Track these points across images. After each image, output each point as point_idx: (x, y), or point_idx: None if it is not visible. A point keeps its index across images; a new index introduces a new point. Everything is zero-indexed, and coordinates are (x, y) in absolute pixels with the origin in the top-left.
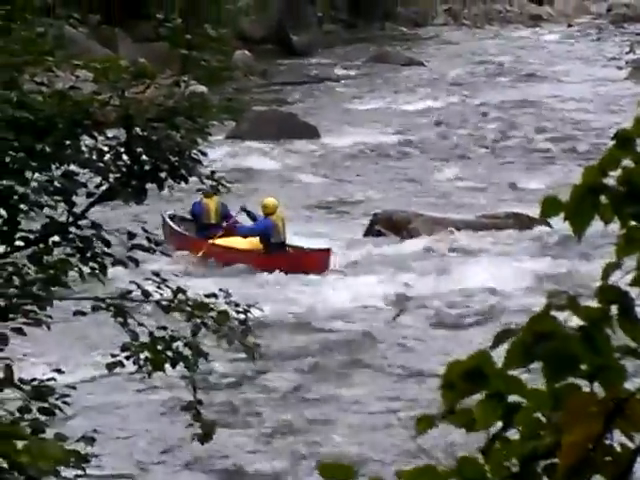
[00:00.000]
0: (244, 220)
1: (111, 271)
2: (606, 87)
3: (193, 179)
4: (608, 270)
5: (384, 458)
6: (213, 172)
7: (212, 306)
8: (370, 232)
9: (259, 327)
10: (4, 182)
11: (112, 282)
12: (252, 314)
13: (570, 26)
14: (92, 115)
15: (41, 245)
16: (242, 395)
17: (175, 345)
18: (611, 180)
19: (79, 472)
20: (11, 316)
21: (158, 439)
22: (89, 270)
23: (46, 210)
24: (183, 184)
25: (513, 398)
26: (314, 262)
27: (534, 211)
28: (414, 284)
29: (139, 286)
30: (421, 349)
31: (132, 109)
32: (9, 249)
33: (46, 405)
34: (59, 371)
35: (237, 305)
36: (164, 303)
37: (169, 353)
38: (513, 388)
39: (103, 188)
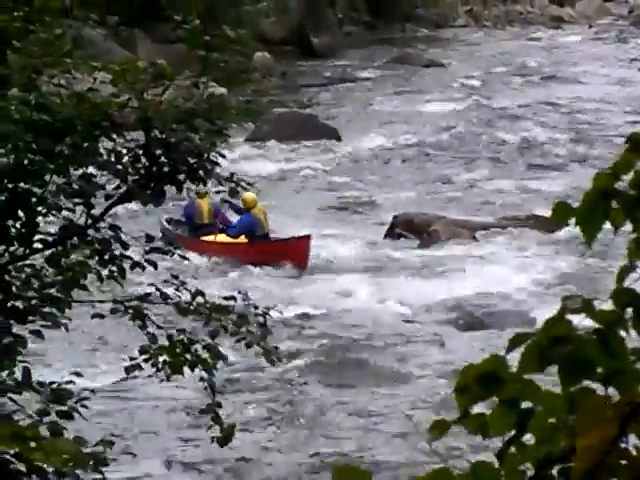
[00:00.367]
0: (232, 216)
1: (128, 273)
2: (628, 88)
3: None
4: (623, 273)
5: (393, 461)
6: (232, 174)
7: (230, 309)
8: (391, 234)
9: (275, 328)
10: (22, 185)
11: (130, 284)
12: (271, 316)
13: (591, 27)
14: (111, 117)
15: (59, 247)
16: (256, 397)
17: (194, 348)
18: (622, 184)
19: (98, 476)
20: (30, 318)
21: (177, 442)
22: (107, 272)
23: (64, 212)
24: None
25: (527, 404)
26: (294, 250)
27: None
28: (434, 286)
29: (158, 289)
30: (440, 352)
31: (151, 111)
32: (27, 251)
33: (64, 408)
34: (78, 374)
35: (256, 307)
36: (183, 306)
37: (188, 356)
38: (528, 392)
39: (121, 190)
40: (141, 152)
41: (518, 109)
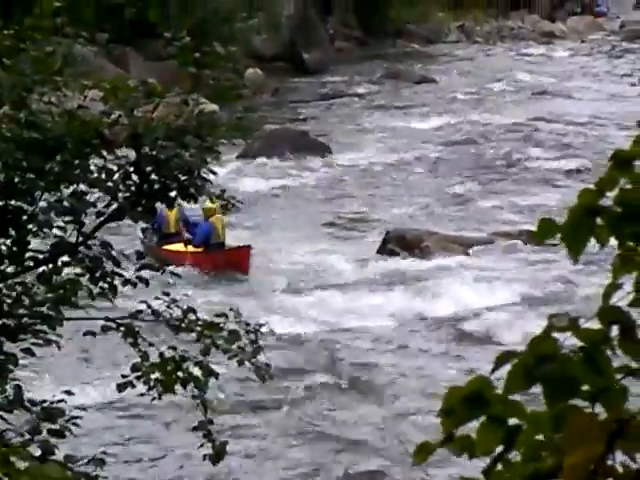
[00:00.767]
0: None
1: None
2: (619, 104)
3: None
4: (608, 290)
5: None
6: (223, 191)
7: (222, 326)
8: (383, 250)
9: (269, 343)
10: (13, 202)
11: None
12: (262, 333)
13: (583, 43)
14: (102, 135)
15: (50, 265)
16: (249, 414)
17: (185, 365)
18: (607, 201)
19: None
20: (21, 336)
21: (170, 459)
22: (98, 290)
23: (55, 230)
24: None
25: (513, 421)
26: (241, 258)
27: None
28: (426, 302)
29: (149, 306)
30: (431, 368)
31: (141, 128)
32: (18, 269)
33: (56, 427)
34: (69, 392)
35: (247, 324)
36: (174, 323)
37: (179, 374)
38: (514, 412)
39: (112, 208)
40: (132, 169)
41: (510, 124)
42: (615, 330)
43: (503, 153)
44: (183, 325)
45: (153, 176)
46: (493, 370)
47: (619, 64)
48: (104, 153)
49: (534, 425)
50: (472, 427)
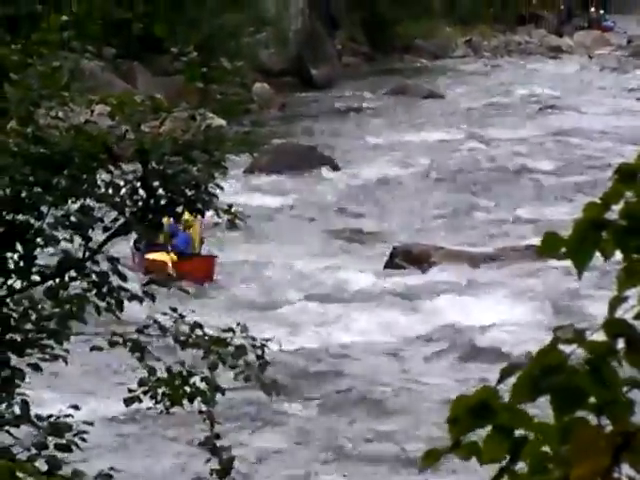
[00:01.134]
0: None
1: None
2: (627, 118)
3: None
4: (614, 303)
5: None
6: (230, 206)
7: (229, 341)
8: (390, 265)
9: (274, 357)
10: (20, 217)
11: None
12: (269, 348)
13: (590, 58)
14: (109, 149)
15: (57, 280)
16: (255, 430)
17: (192, 380)
18: (612, 214)
19: None
20: (28, 351)
21: (177, 475)
22: (105, 305)
23: (62, 245)
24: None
25: (520, 432)
26: (201, 267)
27: None
28: (434, 317)
29: (156, 321)
30: (438, 383)
31: (148, 143)
32: (25, 284)
33: (63, 441)
34: (76, 407)
35: (254, 340)
36: (181, 338)
37: (186, 388)
38: (520, 422)
39: (119, 223)
40: (139, 184)
41: (517, 139)
42: (621, 342)
43: (510, 167)
44: (190, 340)
45: (160, 191)
46: (499, 381)
47: (626, 79)
48: (111, 168)
49: (541, 436)
50: (480, 432)
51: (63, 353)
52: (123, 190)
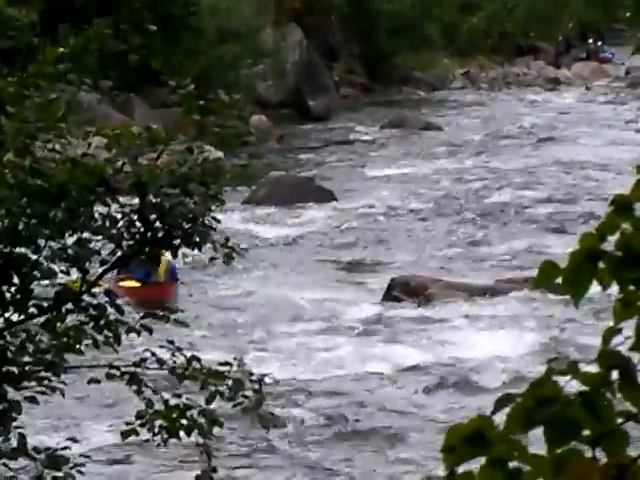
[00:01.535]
0: None
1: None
2: (625, 150)
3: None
4: (608, 334)
5: None
6: (227, 239)
7: (226, 374)
8: (388, 297)
9: (271, 389)
10: (17, 249)
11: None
12: (265, 382)
13: (588, 89)
14: (106, 182)
15: (54, 312)
16: (250, 462)
17: (189, 413)
18: (608, 245)
19: None
20: (25, 384)
21: None
22: (103, 338)
23: (60, 277)
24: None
25: (514, 464)
26: (154, 295)
27: None
28: (431, 350)
29: (153, 354)
30: (434, 416)
31: (145, 176)
32: (22, 316)
33: (60, 474)
34: (73, 440)
35: (251, 374)
36: (178, 371)
37: (183, 421)
38: (515, 453)
39: (116, 256)
40: (136, 217)
41: (515, 171)
42: (615, 374)
43: (509, 199)
44: (187, 373)
45: (157, 224)
46: (493, 412)
47: (624, 110)
48: (108, 201)
49: (535, 468)
50: (476, 461)
51: (60, 385)
52: (120, 223)
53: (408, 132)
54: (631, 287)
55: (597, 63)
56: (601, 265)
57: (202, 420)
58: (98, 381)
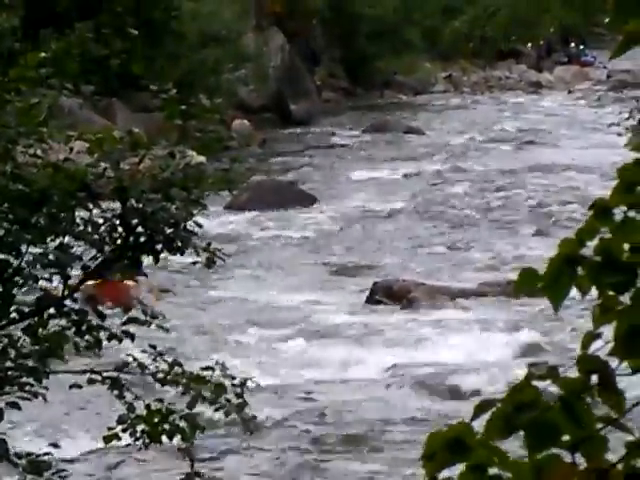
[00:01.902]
0: None
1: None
2: (606, 154)
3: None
4: (587, 340)
5: None
6: (209, 244)
7: (208, 378)
8: (370, 301)
9: (252, 393)
10: None
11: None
12: (248, 387)
13: (570, 92)
14: (88, 187)
15: (36, 318)
16: (232, 467)
17: (172, 417)
18: (587, 250)
19: None
20: (6, 389)
21: None
22: (84, 343)
23: (41, 283)
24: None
25: (494, 470)
26: (112, 293)
27: None
28: (413, 353)
29: (135, 359)
30: (417, 420)
31: (127, 181)
32: (4, 322)
33: None
34: (55, 445)
35: (233, 378)
36: (160, 376)
37: (165, 426)
38: (495, 459)
39: (98, 261)
40: (117, 222)
41: (497, 174)
42: (595, 379)
43: (491, 202)
44: (169, 378)
45: (139, 229)
46: (473, 418)
47: (605, 114)
48: (90, 206)
49: (515, 474)
50: (457, 468)
51: (42, 391)
52: (102, 228)
53: (390, 136)
54: (610, 292)
55: (579, 67)
56: (580, 271)
57: (184, 425)
58: (80, 386)
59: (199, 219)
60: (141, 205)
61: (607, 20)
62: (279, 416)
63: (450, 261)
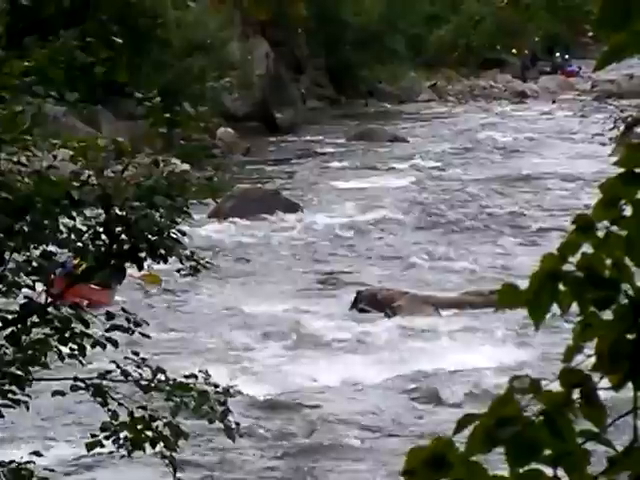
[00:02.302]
0: None
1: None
2: (590, 163)
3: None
4: (569, 353)
5: None
6: (192, 252)
7: (192, 386)
8: (354, 309)
9: (237, 402)
10: None
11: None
12: (231, 394)
13: (554, 102)
14: (71, 195)
15: (19, 325)
16: (215, 474)
17: (155, 425)
18: (570, 266)
19: None
20: None
21: None
22: (68, 350)
23: (24, 290)
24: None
25: None
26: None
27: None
28: (396, 362)
29: (118, 366)
30: (399, 430)
31: (110, 188)
32: None
33: None
34: (37, 453)
35: (216, 386)
36: (143, 383)
37: (149, 433)
38: (476, 475)
39: (82, 268)
40: (101, 230)
41: (481, 183)
42: (577, 393)
43: (475, 211)
44: (152, 385)
45: (123, 236)
46: (454, 432)
47: (590, 123)
48: (73, 213)
49: None
50: None
51: (25, 398)
52: (85, 235)
53: (374, 144)
54: (592, 308)
55: (563, 77)
56: (561, 287)
57: (167, 432)
58: (63, 393)
59: (183, 227)
60: (125, 213)
61: (590, 34)
62: (261, 424)
63: (434, 270)
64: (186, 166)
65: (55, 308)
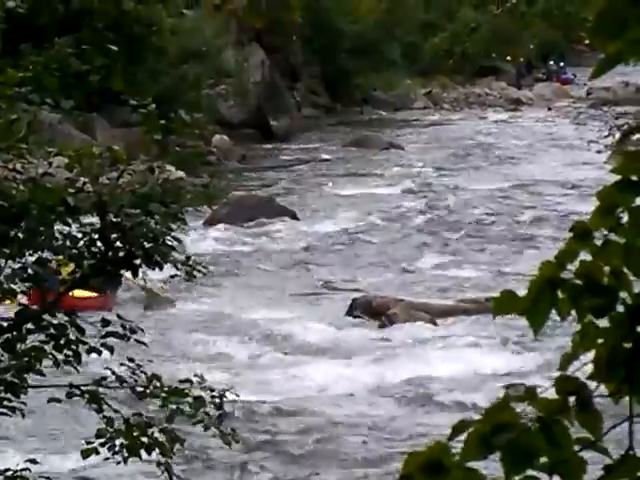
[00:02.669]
0: None
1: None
2: (586, 171)
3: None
4: (565, 361)
5: None
6: (188, 258)
7: (187, 392)
8: (349, 317)
9: (232, 409)
10: None
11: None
12: (226, 398)
13: (550, 109)
14: (66, 202)
15: (15, 332)
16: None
17: (150, 431)
18: (568, 273)
19: None
20: None
21: None
22: (63, 357)
23: (19, 297)
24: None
25: None
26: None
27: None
28: (391, 370)
29: (113, 372)
30: (395, 437)
31: (106, 196)
32: None
33: None
34: (33, 461)
35: (212, 390)
36: (139, 389)
37: (144, 439)
38: None
39: (77, 275)
40: (96, 236)
41: (477, 191)
42: (573, 401)
43: (470, 219)
44: (148, 391)
45: (118, 243)
46: (450, 438)
47: (585, 131)
48: (69, 220)
49: None
50: None
51: (20, 406)
52: (81, 242)
53: (370, 152)
54: (589, 316)
55: (558, 84)
56: (560, 294)
57: (163, 438)
58: (59, 400)
59: (179, 234)
60: (120, 220)
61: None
62: (257, 430)
63: (429, 278)
64: (181, 173)
65: (50, 315)
